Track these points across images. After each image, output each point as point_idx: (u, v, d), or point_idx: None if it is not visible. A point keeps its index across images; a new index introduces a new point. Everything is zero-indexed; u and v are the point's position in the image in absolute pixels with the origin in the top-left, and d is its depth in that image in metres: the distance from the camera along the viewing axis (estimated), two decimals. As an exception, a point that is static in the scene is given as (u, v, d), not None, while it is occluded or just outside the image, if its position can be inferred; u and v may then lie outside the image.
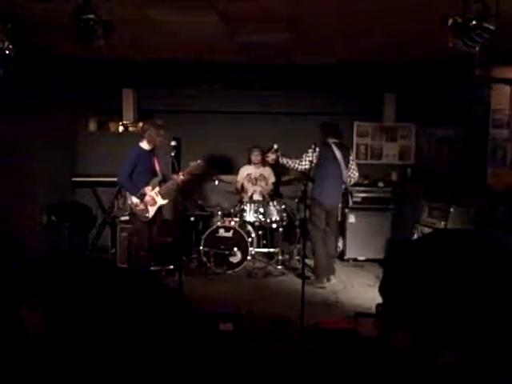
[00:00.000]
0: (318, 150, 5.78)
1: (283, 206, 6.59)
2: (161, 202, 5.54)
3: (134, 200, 5.37)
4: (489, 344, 0.74)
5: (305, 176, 5.54)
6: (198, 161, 5.79)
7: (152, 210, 5.46)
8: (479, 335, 0.74)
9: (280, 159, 5.89)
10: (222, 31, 5.25)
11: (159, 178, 5.58)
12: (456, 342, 0.75)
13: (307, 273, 5.46)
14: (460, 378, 0.75)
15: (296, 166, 5.82)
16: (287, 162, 5.87)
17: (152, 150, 5.50)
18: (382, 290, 0.86)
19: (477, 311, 0.75)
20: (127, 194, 5.51)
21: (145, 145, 5.44)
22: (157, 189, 5.49)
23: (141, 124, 7.60)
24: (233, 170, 7.29)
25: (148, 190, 5.43)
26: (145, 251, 5.54)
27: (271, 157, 5.91)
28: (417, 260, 0.83)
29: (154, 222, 5.57)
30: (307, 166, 5.72)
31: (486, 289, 0.75)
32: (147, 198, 5.41)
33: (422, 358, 0.78)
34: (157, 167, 5.58)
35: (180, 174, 5.55)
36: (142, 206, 5.38)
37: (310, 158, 5.74)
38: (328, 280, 5.84)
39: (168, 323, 0.95)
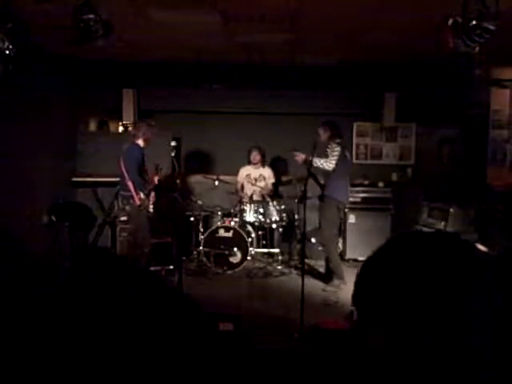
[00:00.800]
0: (340, 148, 5.65)
1: (283, 206, 6.58)
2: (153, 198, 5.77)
3: (142, 195, 5.51)
4: (461, 350, 0.75)
5: (311, 176, 5.52)
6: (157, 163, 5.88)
7: (151, 207, 5.64)
8: (451, 339, 0.75)
9: (313, 160, 5.47)
10: (222, 31, 5.26)
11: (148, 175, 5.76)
12: (428, 348, 0.75)
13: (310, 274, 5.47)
14: (436, 380, 0.76)
15: (327, 165, 5.51)
16: (319, 161, 5.53)
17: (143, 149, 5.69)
18: (355, 296, 0.86)
19: (447, 316, 0.75)
20: (133, 191, 5.55)
21: (141, 143, 5.58)
22: (150, 186, 5.69)
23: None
24: (233, 170, 7.29)
25: (148, 186, 5.63)
26: (148, 248, 5.64)
27: (301, 157, 5.57)
28: (386, 265, 0.83)
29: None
30: (334, 165, 5.55)
31: (455, 293, 0.76)
32: (152, 195, 5.67)
33: (397, 360, 0.78)
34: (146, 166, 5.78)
35: (156, 177, 5.73)
36: (147, 202, 5.57)
37: (336, 157, 5.58)
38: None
39: (173, 325, 0.95)
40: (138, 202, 5.53)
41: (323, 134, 5.72)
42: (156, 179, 5.73)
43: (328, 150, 5.60)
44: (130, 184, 5.52)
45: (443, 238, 0.85)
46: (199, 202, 6.82)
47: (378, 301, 0.81)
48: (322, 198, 5.81)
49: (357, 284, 0.87)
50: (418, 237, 0.87)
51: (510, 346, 0.80)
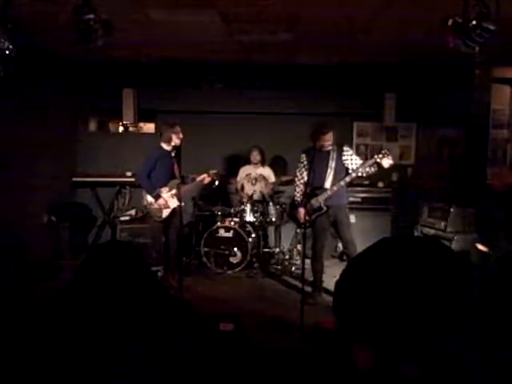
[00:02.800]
0: None
1: (283, 206, 6.59)
2: (174, 204, 5.49)
3: (149, 199, 5.44)
4: (449, 354, 0.74)
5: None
6: (215, 170, 5.86)
7: (166, 212, 5.47)
8: (437, 346, 0.74)
9: (358, 171, 5.05)
10: (222, 31, 5.26)
11: (177, 180, 5.52)
12: (416, 355, 0.74)
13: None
14: None
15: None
16: (364, 174, 5.12)
17: (172, 152, 5.48)
18: (335, 309, 0.84)
19: (431, 322, 0.74)
20: (143, 192, 5.56)
21: (164, 145, 5.47)
22: (173, 191, 5.46)
23: (141, 124, 7.64)
24: (233, 170, 7.29)
25: (164, 191, 5.43)
26: (156, 252, 5.55)
27: (386, 161, 4.93)
28: (366, 273, 0.81)
29: (169, 224, 5.56)
30: None
31: (437, 298, 0.75)
32: (160, 201, 5.42)
33: (385, 372, 0.77)
34: (175, 169, 5.54)
35: (202, 178, 5.65)
36: (155, 206, 5.43)
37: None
38: None
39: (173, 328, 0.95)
40: (144, 203, 5.54)
41: (332, 140, 5.11)
42: (203, 178, 5.65)
43: (350, 154, 5.15)
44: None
45: (423, 243, 0.84)
46: (199, 202, 6.82)
47: (360, 310, 0.79)
48: (340, 207, 5.16)
49: (337, 292, 0.85)
50: (398, 242, 0.86)
51: (502, 349, 0.80)
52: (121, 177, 7.09)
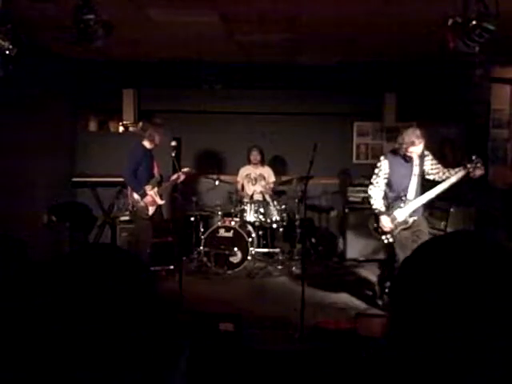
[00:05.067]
0: None
1: (283, 206, 6.58)
2: (159, 202, 5.60)
3: (136, 197, 5.43)
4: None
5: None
6: (187, 169, 5.82)
7: (152, 209, 5.51)
8: (496, 350, 0.74)
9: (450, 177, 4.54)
10: (222, 31, 5.26)
11: (157, 178, 5.61)
12: (472, 358, 0.74)
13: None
14: None
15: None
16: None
17: (151, 151, 5.55)
18: (392, 302, 0.85)
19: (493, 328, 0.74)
20: (129, 190, 5.55)
21: (147, 144, 5.50)
22: (155, 189, 5.53)
23: (141, 124, 7.62)
24: (233, 170, 7.29)
25: (148, 188, 5.48)
26: (145, 251, 5.53)
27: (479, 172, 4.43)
28: (425, 269, 0.82)
29: (153, 221, 5.61)
30: None
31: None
32: (147, 198, 5.46)
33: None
34: (155, 168, 5.63)
35: (177, 176, 5.62)
36: (142, 204, 5.44)
37: None
38: None
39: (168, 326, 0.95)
40: (129, 202, 5.53)
41: (421, 152, 4.58)
42: (177, 176, 5.60)
43: (430, 159, 4.65)
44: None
45: (480, 240, 0.84)
46: (199, 203, 6.82)
47: (417, 305, 0.80)
48: (421, 217, 4.74)
49: (394, 287, 0.86)
50: (456, 239, 0.86)
51: None
52: (121, 177, 7.08)
